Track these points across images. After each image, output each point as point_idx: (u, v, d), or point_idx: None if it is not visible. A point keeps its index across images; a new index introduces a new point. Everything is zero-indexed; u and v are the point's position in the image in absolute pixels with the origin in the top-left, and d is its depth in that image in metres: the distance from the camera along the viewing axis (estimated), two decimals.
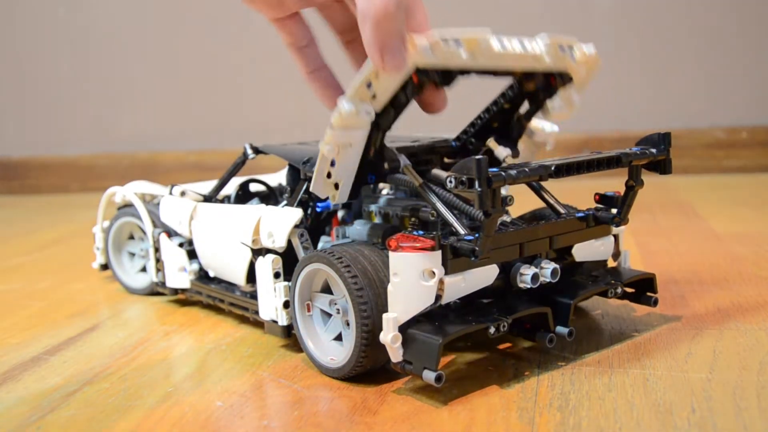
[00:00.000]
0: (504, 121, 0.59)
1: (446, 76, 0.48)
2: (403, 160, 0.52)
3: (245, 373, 0.52)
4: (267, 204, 0.69)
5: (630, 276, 0.55)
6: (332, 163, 0.50)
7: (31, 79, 1.74)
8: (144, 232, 0.75)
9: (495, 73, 0.51)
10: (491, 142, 0.59)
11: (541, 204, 0.58)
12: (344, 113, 0.45)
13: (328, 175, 0.50)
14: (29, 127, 1.75)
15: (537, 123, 0.60)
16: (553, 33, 0.50)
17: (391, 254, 0.44)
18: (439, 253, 0.44)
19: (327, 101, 0.50)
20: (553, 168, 0.43)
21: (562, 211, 0.55)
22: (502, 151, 0.59)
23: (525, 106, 0.58)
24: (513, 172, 0.41)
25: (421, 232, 0.44)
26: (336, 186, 0.51)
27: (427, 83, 0.47)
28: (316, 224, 0.62)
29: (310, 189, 0.51)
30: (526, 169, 0.42)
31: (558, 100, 0.56)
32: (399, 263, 0.44)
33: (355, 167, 0.51)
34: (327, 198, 0.52)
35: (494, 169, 0.42)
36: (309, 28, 0.50)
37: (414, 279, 0.44)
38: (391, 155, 0.53)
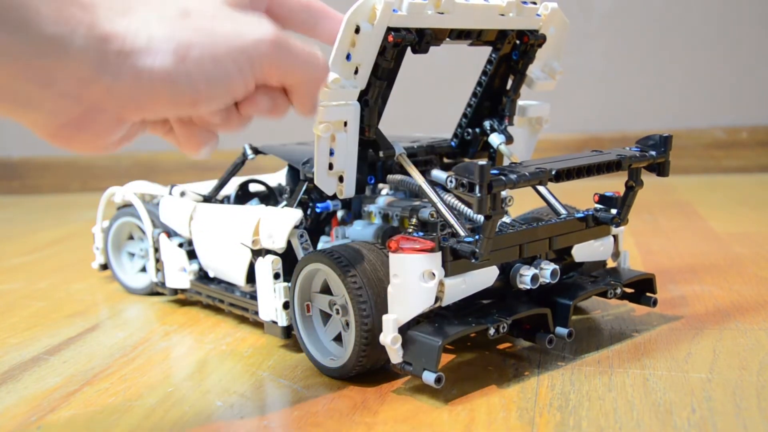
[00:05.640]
0: (495, 101, 0.60)
1: (420, 37, 0.50)
2: (398, 148, 0.53)
3: (245, 373, 0.52)
4: (266, 204, 0.69)
5: (629, 276, 0.55)
6: (331, 153, 0.50)
7: None
8: (144, 232, 0.75)
9: (469, 36, 0.53)
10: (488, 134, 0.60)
11: (540, 203, 0.58)
12: (331, 83, 0.46)
13: (330, 167, 0.50)
14: None
15: (528, 101, 0.62)
16: None
17: (391, 255, 0.44)
18: (439, 255, 0.44)
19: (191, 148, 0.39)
20: (553, 173, 0.44)
21: (562, 211, 0.55)
22: (495, 139, 0.59)
23: (510, 83, 0.60)
24: (513, 176, 0.42)
25: (421, 234, 0.44)
26: (341, 179, 0.51)
27: (405, 43, 0.49)
28: (315, 225, 0.62)
29: (315, 182, 0.51)
30: (527, 173, 0.42)
31: (538, 70, 0.59)
32: (399, 264, 0.44)
33: (355, 153, 0.51)
34: (334, 195, 0.52)
35: (495, 171, 0.42)
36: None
37: (414, 280, 0.44)
38: (386, 143, 0.53)
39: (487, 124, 0.60)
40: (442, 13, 0.50)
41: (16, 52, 0.29)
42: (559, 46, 0.60)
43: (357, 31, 0.46)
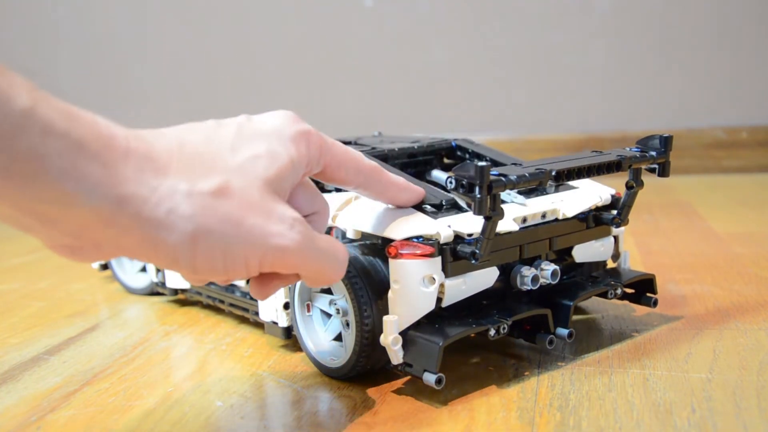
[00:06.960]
0: None
1: None
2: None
3: (245, 373, 0.52)
4: None
5: (630, 277, 0.55)
6: None
7: (30, 79, 1.74)
8: None
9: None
10: None
11: None
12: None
13: None
14: None
15: None
16: None
17: (391, 261, 0.44)
18: (439, 259, 0.44)
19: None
20: (553, 173, 0.44)
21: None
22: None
23: None
24: (513, 177, 0.42)
25: (420, 238, 0.44)
26: None
27: None
28: None
29: None
30: (527, 174, 0.42)
31: None
32: (399, 270, 0.44)
33: None
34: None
35: (495, 172, 0.42)
36: None
37: (414, 285, 0.44)
38: None
39: None
40: None
41: (22, 198, 0.28)
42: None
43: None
